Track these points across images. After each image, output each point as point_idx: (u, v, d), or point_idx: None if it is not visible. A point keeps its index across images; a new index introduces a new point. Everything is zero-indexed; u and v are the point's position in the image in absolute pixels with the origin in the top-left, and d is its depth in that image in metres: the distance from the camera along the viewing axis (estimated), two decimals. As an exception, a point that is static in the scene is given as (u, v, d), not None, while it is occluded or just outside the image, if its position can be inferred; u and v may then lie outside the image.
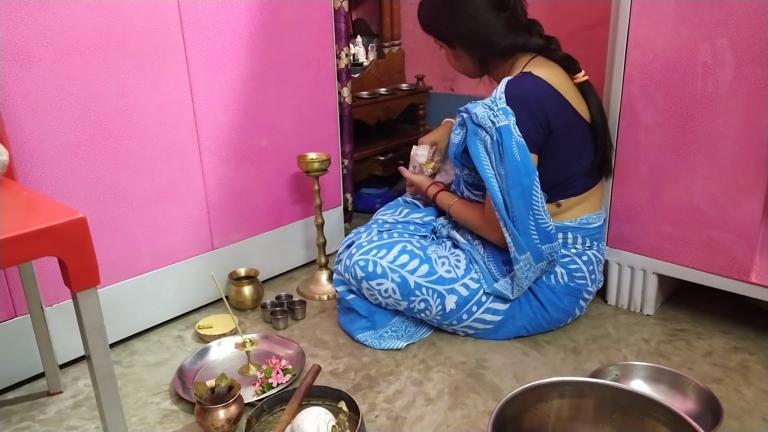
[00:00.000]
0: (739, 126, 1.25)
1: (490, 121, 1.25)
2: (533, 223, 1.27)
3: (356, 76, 2.25)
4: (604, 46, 1.43)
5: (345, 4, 1.80)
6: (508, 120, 1.24)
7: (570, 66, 1.35)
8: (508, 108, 1.25)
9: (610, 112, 1.42)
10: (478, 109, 1.27)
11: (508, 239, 1.29)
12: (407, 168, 1.63)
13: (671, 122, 1.34)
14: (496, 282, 1.36)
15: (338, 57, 1.82)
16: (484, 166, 1.27)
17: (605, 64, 1.43)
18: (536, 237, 1.28)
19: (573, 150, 1.35)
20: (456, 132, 1.34)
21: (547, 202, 1.34)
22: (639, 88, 1.36)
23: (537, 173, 1.26)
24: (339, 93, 1.86)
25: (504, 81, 1.30)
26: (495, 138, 1.25)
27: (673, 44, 1.29)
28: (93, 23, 1.26)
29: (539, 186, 1.27)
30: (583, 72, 1.36)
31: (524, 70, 1.33)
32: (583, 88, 1.36)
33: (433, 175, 1.60)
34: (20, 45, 1.17)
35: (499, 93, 1.28)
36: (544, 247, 1.29)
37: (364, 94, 2.27)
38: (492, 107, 1.26)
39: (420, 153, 1.60)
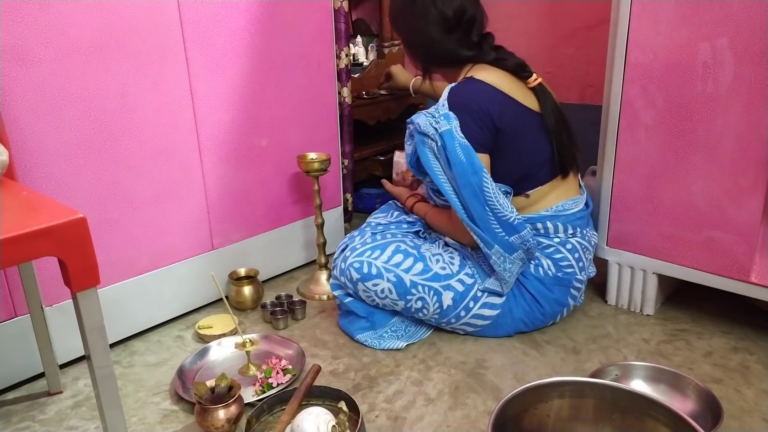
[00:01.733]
0: (739, 126, 1.25)
1: (433, 128, 1.30)
2: (493, 218, 1.30)
3: (356, 76, 2.25)
4: (604, 46, 1.43)
5: (345, 4, 1.80)
6: (449, 125, 1.29)
7: (521, 73, 1.38)
8: (450, 113, 1.30)
9: (610, 112, 1.42)
10: (421, 119, 1.33)
11: (475, 237, 1.32)
12: (391, 173, 1.70)
13: (671, 122, 1.34)
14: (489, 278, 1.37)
15: (338, 57, 1.82)
16: (436, 172, 1.32)
17: (605, 64, 1.43)
18: (500, 230, 1.30)
19: (529, 143, 1.37)
20: (408, 143, 1.40)
21: (514, 195, 1.38)
22: (639, 88, 1.36)
23: (485, 170, 1.29)
24: (339, 93, 1.86)
25: (447, 89, 1.35)
26: (439, 143, 1.30)
27: (673, 44, 1.29)
28: (93, 23, 1.26)
29: (490, 182, 1.29)
30: (534, 76, 1.38)
31: (467, 76, 1.38)
32: (537, 92, 1.38)
33: (414, 183, 1.62)
34: (20, 45, 1.17)
35: (442, 101, 1.34)
36: (512, 239, 1.31)
37: (364, 94, 2.27)
38: (434, 114, 1.31)
39: (402, 161, 1.62)
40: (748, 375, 1.28)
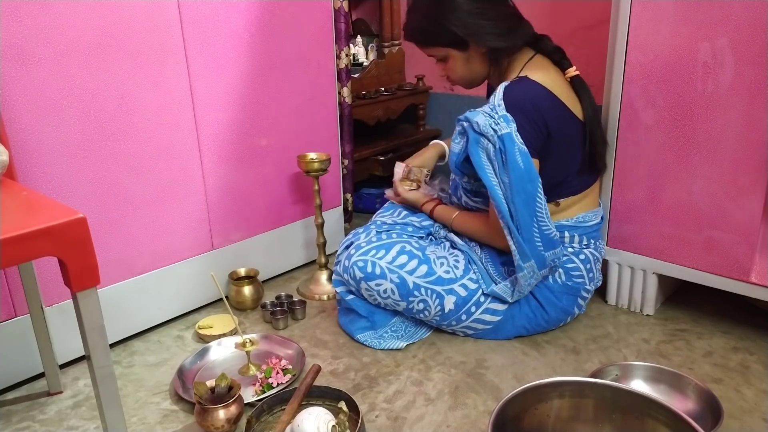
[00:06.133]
0: (739, 126, 1.25)
1: (492, 129, 1.25)
2: (537, 230, 1.27)
3: (356, 76, 2.25)
4: (604, 46, 1.43)
5: (345, 4, 1.80)
6: (509, 127, 1.25)
7: (562, 60, 1.37)
8: (509, 115, 1.26)
9: (610, 112, 1.42)
10: (479, 118, 1.27)
11: (513, 247, 1.28)
12: (391, 173, 1.60)
13: (671, 122, 1.33)
14: (495, 284, 1.36)
15: (338, 57, 1.82)
16: (488, 175, 1.27)
17: (605, 64, 1.43)
18: (540, 244, 1.28)
19: (570, 150, 1.36)
20: (456, 141, 1.34)
21: (546, 202, 1.35)
22: (639, 88, 1.36)
23: (540, 179, 1.26)
24: (339, 93, 1.86)
25: (501, 87, 1.30)
26: (498, 146, 1.25)
27: (673, 44, 1.29)
28: (93, 23, 1.26)
29: (542, 192, 1.27)
30: (574, 67, 1.37)
31: (521, 74, 1.34)
32: (575, 84, 1.36)
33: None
34: (20, 45, 1.17)
35: (497, 100, 1.28)
36: (548, 254, 1.29)
37: (364, 93, 2.27)
38: (493, 115, 1.26)
39: (396, 171, 1.57)
40: (748, 375, 1.28)
